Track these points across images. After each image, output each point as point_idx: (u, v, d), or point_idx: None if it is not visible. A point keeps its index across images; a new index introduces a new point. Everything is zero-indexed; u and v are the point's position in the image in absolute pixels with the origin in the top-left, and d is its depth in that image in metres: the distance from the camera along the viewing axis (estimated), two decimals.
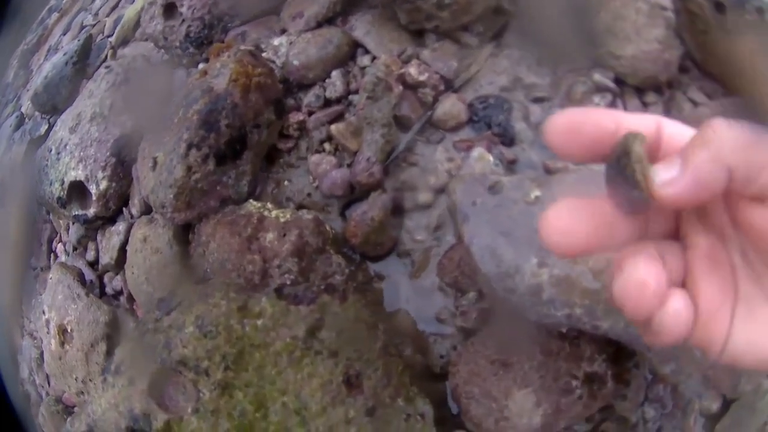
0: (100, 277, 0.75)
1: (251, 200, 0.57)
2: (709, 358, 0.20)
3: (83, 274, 0.76)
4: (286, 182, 0.60)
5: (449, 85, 0.61)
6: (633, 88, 0.65)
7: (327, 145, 0.59)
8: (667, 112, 0.66)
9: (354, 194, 0.57)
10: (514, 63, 0.63)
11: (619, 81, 0.64)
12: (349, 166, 0.56)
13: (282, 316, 0.48)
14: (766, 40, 0.70)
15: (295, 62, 0.62)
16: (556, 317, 0.45)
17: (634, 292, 0.19)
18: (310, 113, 0.61)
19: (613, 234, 0.20)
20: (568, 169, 0.50)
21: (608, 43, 0.63)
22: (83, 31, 1.04)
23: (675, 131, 0.21)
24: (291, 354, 0.48)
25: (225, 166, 0.59)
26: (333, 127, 0.57)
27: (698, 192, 0.18)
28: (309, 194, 0.59)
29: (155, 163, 0.61)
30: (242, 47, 0.64)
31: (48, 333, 0.78)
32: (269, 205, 0.57)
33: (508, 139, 0.58)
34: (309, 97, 0.61)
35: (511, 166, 0.57)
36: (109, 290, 0.74)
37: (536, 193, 0.47)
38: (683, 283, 0.20)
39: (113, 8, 0.99)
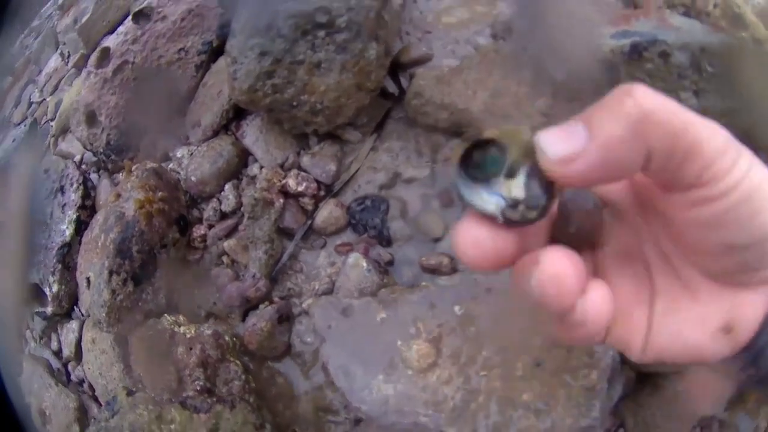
0: (65, 366, 1.07)
1: (165, 315, 0.84)
2: (630, 357, 0.23)
3: (51, 364, 1.08)
4: (195, 292, 0.86)
5: (329, 190, 0.82)
6: None
7: (224, 258, 0.83)
8: None
9: (249, 303, 0.81)
10: (393, 157, 0.83)
11: None
12: (243, 278, 0.81)
13: (188, 422, 0.75)
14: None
15: (193, 178, 0.86)
16: (404, 425, 0.68)
17: (553, 283, 0.20)
18: (210, 227, 0.85)
19: (525, 239, 0.21)
20: (419, 286, 0.70)
21: (487, 124, 0.81)
22: (30, 109, 1.35)
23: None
24: None
25: (142, 285, 0.86)
26: (226, 243, 0.82)
27: (609, 167, 0.19)
28: (214, 303, 0.84)
29: (89, 282, 0.90)
30: (148, 165, 0.89)
31: (30, 415, 1.12)
32: (180, 319, 0.83)
33: (384, 239, 0.79)
34: (208, 211, 0.86)
35: (387, 267, 0.78)
36: (73, 378, 1.05)
37: (382, 315, 0.69)
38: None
39: (55, 88, 1.28)
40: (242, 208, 0.83)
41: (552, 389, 0.67)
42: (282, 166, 0.83)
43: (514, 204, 0.20)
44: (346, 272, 0.76)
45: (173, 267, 0.86)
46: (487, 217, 0.21)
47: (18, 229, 1.12)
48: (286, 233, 0.81)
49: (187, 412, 0.76)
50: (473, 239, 0.21)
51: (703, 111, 0.72)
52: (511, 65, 0.82)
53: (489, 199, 0.21)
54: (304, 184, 0.79)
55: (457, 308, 0.67)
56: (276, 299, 0.80)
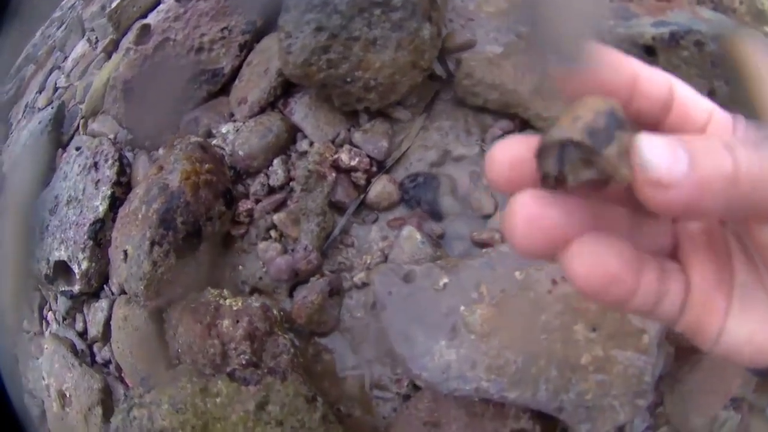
0: (90, 347, 1.03)
1: (209, 288, 0.81)
2: (701, 345, 0.21)
3: (75, 344, 1.04)
4: (240, 267, 0.84)
5: (381, 166, 0.81)
6: None
7: (273, 233, 0.82)
8: None
9: (298, 277, 0.80)
10: (443, 135, 0.83)
11: None
12: (293, 251, 0.79)
13: (235, 395, 0.73)
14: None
15: (240, 152, 0.85)
16: (465, 390, 0.67)
17: (597, 281, 0.18)
18: (257, 201, 0.84)
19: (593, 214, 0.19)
20: (481, 253, 0.70)
21: (536, 104, 0.81)
22: (56, 93, 1.32)
23: (688, 95, 0.21)
24: (245, 424, 0.72)
25: (185, 258, 0.83)
26: (275, 216, 0.80)
27: (701, 205, 0.17)
28: (260, 278, 0.82)
29: (126, 255, 0.87)
30: (192, 139, 0.88)
31: (49, 396, 1.07)
32: (225, 293, 0.81)
33: (436, 214, 0.79)
34: (255, 186, 0.84)
35: (439, 240, 0.78)
36: (99, 359, 1.01)
37: (444, 280, 0.68)
38: (673, 255, 0.21)
39: (84, 72, 1.26)
40: (292, 182, 0.82)
41: (608, 353, 0.67)
42: (333, 141, 0.82)
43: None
44: (399, 244, 0.75)
45: (217, 240, 0.84)
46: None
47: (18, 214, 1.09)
48: (337, 207, 0.80)
49: (235, 384, 0.73)
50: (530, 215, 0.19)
51: (732, 100, 0.73)
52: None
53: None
54: (357, 159, 0.79)
55: (517, 273, 0.66)
56: (327, 272, 0.78)
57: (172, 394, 0.76)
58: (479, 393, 0.67)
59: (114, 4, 1.21)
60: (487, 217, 0.79)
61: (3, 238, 1.15)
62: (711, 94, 0.84)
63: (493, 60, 0.84)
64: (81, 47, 1.30)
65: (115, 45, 1.21)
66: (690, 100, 0.22)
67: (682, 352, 0.81)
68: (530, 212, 0.19)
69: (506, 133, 0.83)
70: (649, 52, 0.83)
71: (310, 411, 0.73)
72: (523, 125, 0.83)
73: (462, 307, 0.67)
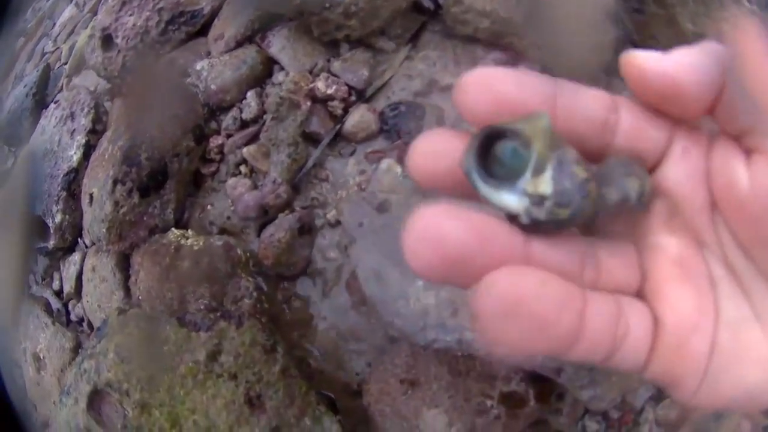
0: (66, 305, 0.96)
1: (173, 229, 0.74)
2: (677, 398, 0.18)
3: (49, 303, 0.97)
4: (209, 206, 0.77)
5: (361, 96, 0.74)
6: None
7: (242, 168, 0.74)
8: None
9: (268, 215, 0.72)
10: (430, 65, 0.75)
11: (547, 72, 0.73)
12: (262, 186, 0.71)
13: (185, 342, 0.64)
14: None
15: (213, 86, 0.78)
16: (446, 342, 0.57)
17: (519, 324, 0.15)
18: (228, 136, 0.77)
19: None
20: None
21: (530, 33, 0.73)
22: (43, 59, 1.28)
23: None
24: (195, 377, 0.64)
25: (149, 198, 0.77)
26: (245, 150, 0.73)
27: (691, 83, 0.17)
28: (228, 217, 0.75)
29: (91, 198, 0.80)
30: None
31: (26, 361, 1.01)
32: (189, 233, 0.73)
33: None
34: (227, 120, 0.77)
35: None
36: (73, 317, 0.95)
37: None
38: (639, 293, 0.18)
39: (70, 34, 1.22)
40: (265, 114, 0.74)
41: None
42: (310, 71, 0.75)
43: (540, 201, 0.17)
44: (377, 178, 0.67)
45: (185, 178, 0.77)
46: (510, 218, 0.17)
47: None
48: (312, 139, 0.72)
49: (185, 330, 0.65)
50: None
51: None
52: None
53: (511, 196, 0.17)
54: (334, 87, 0.71)
55: None
56: (297, 208, 0.70)
57: (119, 342, 0.69)
58: (462, 346, 0.58)
59: None
60: None
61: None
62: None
63: None
64: (69, 11, 1.26)
65: (99, 2, 1.16)
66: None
67: None
68: (433, 230, 0.17)
69: (498, 64, 0.74)
70: None
71: (269, 363, 0.64)
72: (517, 56, 0.75)
73: None
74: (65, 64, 1.18)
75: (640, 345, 0.17)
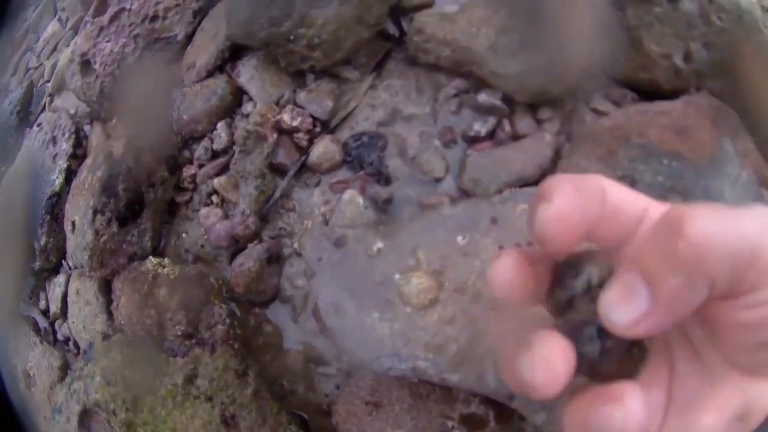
0: (52, 324, 1.00)
1: (150, 257, 0.78)
2: None
3: (37, 322, 1.02)
4: (184, 234, 0.80)
5: (325, 127, 0.77)
6: (525, 105, 0.76)
7: (214, 198, 0.78)
8: (565, 125, 0.77)
9: (239, 244, 0.75)
10: (393, 94, 0.78)
11: (509, 99, 0.76)
12: (232, 216, 0.75)
13: (164, 367, 0.69)
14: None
15: (185, 116, 0.82)
16: (401, 369, 0.61)
17: (544, 368, 0.20)
18: (201, 166, 0.80)
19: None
20: (420, 215, 0.64)
21: (491, 62, 0.75)
22: (27, 75, 1.31)
23: (621, 200, 0.22)
24: (174, 398, 0.68)
25: (127, 227, 0.80)
26: (216, 181, 0.76)
27: (673, 320, 0.19)
28: (202, 246, 0.79)
29: (74, 226, 0.84)
30: None
31: (17, 377, 1.06)
32: (165, 261, 0.77)
33: (383, 177, 0.73)
34: (199, 150, 0.81)
35: (386, 205, 0.73)
36: (60, 336, 0.99)
37: (378, 245, 0.63)
38: None
39: (52, 51, 1.25)
40: (235, 145, 0.77)
41: None
42: (277, 103, 0.78)
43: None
44: (341, 209, 0.70)
45: (160, 207, 0.81)
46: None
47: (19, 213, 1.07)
48: (279, 170, 0.76)
49: (164, 356, 0.69)
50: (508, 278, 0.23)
51: (713, 65, 0.64)
52: (521, 2, 0.77)
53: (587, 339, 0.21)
54: (299, 119, 0.74)
55: (460, 238, 0.60)
56: (266, 238, 0.74)
57: (105, 365, 0.73)
58: (416, 373, 0.62)
59: None
60: (438, 180, 0.74)
61: None
62: (687, 58, 0.76)
63: (447, 15, 0.78)
64: (52, 27, 1.29)
65: (81, 20, 1.19)
66: (622, 203, 0.22)
67: None
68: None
69: (460, 92, 0.77)
70: (617, 6, 0.76)
71: (241, 386, 0.69)
72: (479, 84, 0.77)
73: (397, 275, 0.61)
74: (48, 81, 1.21)
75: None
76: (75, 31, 1.20)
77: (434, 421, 0.68)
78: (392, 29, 0.83)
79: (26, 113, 1.20)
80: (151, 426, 0.70)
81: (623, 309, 0.19)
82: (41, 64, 1.28)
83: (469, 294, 0.61)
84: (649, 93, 0.79)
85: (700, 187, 0.66)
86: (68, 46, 1.20)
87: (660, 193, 0.67)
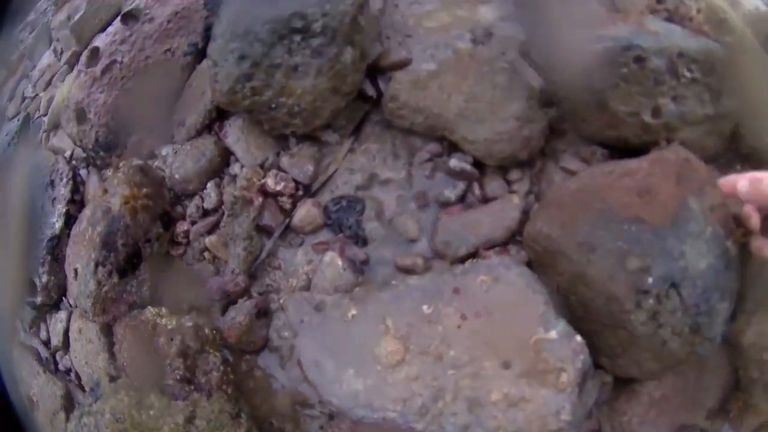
0: (53, 355, 1.09)
1: (149, 307, 0.86)
2: None
3: (39, 352, 1.11)
4: (179, 285, 0.88)
5: (307, 190, 0.84)
6: (496, 168, 0.84)
7: (206, 254, 0.86)
8: (535, 185, 0.84)
9: (230, 297, 0.84)
10: (370, 159, 0.85)
11: (479, 163, 0.83)
12: (223, 273, 0.83)
13: (166, 408, 0.78)
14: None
15: (177, 176, 0.89)
16: (373, 419, 0.70)
17: None
18: (193, 223, 0.88)
19: None
20: (390, 285, 0.73)
21: (462, 128, 0.83)
22: (24, 104, 1.37)
23: None
24: None
25: (127, 278, 0.88)
26: (208, 239, 0.84)
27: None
28: (196, 297, 0.87)
29: (76, 273, 0.92)
30: (134, 162, 0.92)
31: (20, 400, 1.15)
32: (163, 311, 0.86)
33: (360, 239, 0.81)
34: (191, 208, 0.88)
35: (363, 266, 0.81)
36: (61, 367, 1.08)
37: (353, 311, 0.71)
38: None
39: (48, 84, 1.30)
40: (224, 204, 0.85)
41: (521, 391, 0.68)
42: (262, 165, 0.85)
43: None
44: (322, 270, 0.79)
45: (157, 261, 0.89)
46: None
47: (18, 221, 1.14)
48: (265, 231, 0.83)
49: (166, 399, 0.78)
50: None
51: (682, 118, 0.71)
52: (487, 70, 0.84)
53: None
54: (283, 184, 0.82)
55: (425, 307, 0.69)
56: (255, 294, 0.82)
57: (113, 405, 0.82)
58: (387, 422, 0.71)
59: (77, 16, 1.24)
60: (413, 241, 0.82)
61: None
62: (655, 113, 0.81)
63: (419, 82, 0.85)
64: (47, 58, 1.33)
65: (76, 57, 1.24)
66: None
67: (620, 382, 0.82)
68: None
69: (434, 156, 0.85)
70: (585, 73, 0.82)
71: (235, 426, 0.78)
72: (452, 148, 0.85)
73: (369, 339, 0.70)
74: (44, 115, 1.27)
75: None
76: (70, 66, 1.25)
77: None
78: (370, 90, 0.90)
79: (23, 146, 1.26)
80: None
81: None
82: (37, 95, 1.33)
83: (432, 356, 0.70)
84: (618, 148, 0.85)
85: (658, 249, 0.70)
86: (62, 81, 1.26)
87: (618, 256, 0.72)
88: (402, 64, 0.91)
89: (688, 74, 0.83)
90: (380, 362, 0.71)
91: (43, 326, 1.12)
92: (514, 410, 0.68)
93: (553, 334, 0.71)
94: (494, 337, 0.71)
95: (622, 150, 0.85)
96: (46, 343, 1.12)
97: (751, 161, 0.91)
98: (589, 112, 0.84)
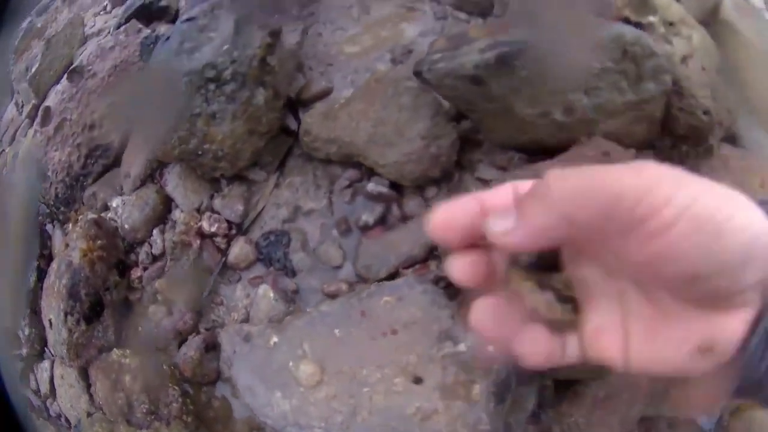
0: (45, 403, 1.54)
1: (115, 349, 1.28)
2: (616, 369, 0.36)
3: (32, 401, 1.57)
4: (139, 328, 1.29)
5: (239, 229, 1.22)
6: (413, 187, 1.18)
7: (159, 296, 1.26)
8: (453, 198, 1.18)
9: (182, 335, 1.23)
10: (294, 192, 1.22)
11: (396, 184, 1.18)
12: (173, 314, 1.23)
13: None
14: None
15: (126, 226, 1.30)
16: None
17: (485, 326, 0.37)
18: (145, 269, 1.28)
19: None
20: (303, 312, 1.09)
21: (373, 153, 1.17)
22: None
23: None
24: None
25: (93, 325, 1.30)
26: (157, 283, 1.24)
27: (537, 239, 0.34)
28: (155, 337, 1.27)
29: (51, 323, 1.36)
30: (89, 216, 1.34)
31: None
32: (127, 352, 1.27)
33: (290, 271, 1.19)
34: (141, 255, 1.29)
35: (294, 295, 1.18)
36: (52, 413, 1.53)
37: (274, 339, 1.08)
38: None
39: (12, 139, 1.77)
40: (166, 252, 1.25)
41: (434, 404, 1.02)
42: (198, 209, 1.24)
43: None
44: (257, 303, 1.16)
45: (118, 306, 1.30)
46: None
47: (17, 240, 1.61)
48: (207, 270, 1.22)
49: (133, 428, 1.19)
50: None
51: (600, 109, 1.04)
52: (392, 92, 1.18)
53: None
54: (216, 225, 1.20)
55: (337, 331, 1.05)
56: (202, 330, 1.21)
57: None
58: None
59: (34, 68, 1.69)
60: (337, 268, 1.18)
61: None
62: (568, 110, 1.11)
63: (330, 113, 1.21)
64: (10, 111, 1.80)
65: (35, 110, 1.69)
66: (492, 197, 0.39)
67: (561, 385, 1.13)
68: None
69: (353, 182, 1.20)
70: (475, 82, 1.11)
71: None
72: (369, 172, 1.20)
73: (290, 363, 1.07)
74: (11, 171, 1.73)
75: (576, 345, 0.37)
76: (31, 119, 1.71)
77: None
78: (293, 124, 1.27)
79: None
80: None
81: (497, 223, 0.34)
82: (3, 150, 1.80)
83: (347, 376, 1.06)
84: (534, 151, 1.15)
85: None
86: (25, 136, 1.72)
87: None
88: (323, 95, 1.28)
89: (597, 64, 1.10)
90: (302, 384, 1.07)
91: (32, 376, 1.58)
92: (429, 423, 1.02)
93: (462, 346, 1.04)
94: (402, 355, 1.05)
95: (538, 152, 1.15)
96: (36, 392, 1.58)
97: (690, 141, 1.17)
98: (495, 120, 1.15)
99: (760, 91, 1.21)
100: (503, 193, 0.39)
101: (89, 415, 1.32)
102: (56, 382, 1.47)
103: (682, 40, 1.16)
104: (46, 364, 1.52)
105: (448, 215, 0.38)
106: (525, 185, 0.38)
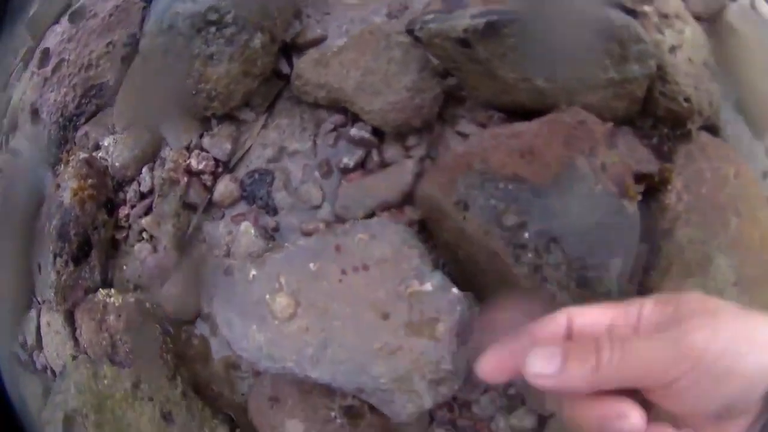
0: (31, 355, 2.01)
1: (101, 289, 1.72)
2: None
3: (19, 355, 2.04)
4: (125, 267, 1.74)
5: (226, 167, 1.65)
6: (394, 135, 1.58)
7: (144, 234, 1.70)
8: (432, 149, 1.57)
9: (167, 274, 1.67)
10: (281, 133, 1.65)
11: (378, 131, 1.58)
12: (158, 251, 1.67)
13: (116, 376, 1.62)
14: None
15: (117, 164, 1.75)
16: (275, 369, 1.47)
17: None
18: (132, 207, 1.72)
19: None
20: (284, 246, 1.51)
21: (360, 100, 1.58)
22: None
23: (584, 322, 0.60)
24: (127, 401, 1.62)
25: (81, 266, 1.76)
26: (143, 220, 1.68)
27: (562, 392, 0.54)
28: (140, 276, 1.71)
29: (39, 267, 1.82)
30: (80, 155, 1.79)
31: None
32: (111, 291, 1.71)
33: (271, 209, 1.60)
34: (130, 193, 1.73)
35: (274, 233, 1.60)
36: (38, 366, 1.99)
37: (253, 272, 1.50)
38: None
39: (5, 84, 2.26)
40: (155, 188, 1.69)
41: (399, 340, 1.40)
42: (188, 148, 1.67)
43: None
44: (238, 239, 1.59)
45: (104, 246, 1.75)
46: None
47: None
48: (192, 208, 1.65)
49: (115, 368, 1.63)
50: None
51: (581, 81, 1.47)
52: (384, 45, 1.59)
53: None
54: (204, 163, 1.63)
55: (312, 265, 1.45)
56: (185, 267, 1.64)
57: (76, 379, 1.70)
58: (286, 371, 1.48)
59: (31, 12, 2.18)
60: (316, 208, 1.59)
61: None
62: (550, 78, 1.48)
63: (321, 59, 1.63)
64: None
65: (31, 54, 2.18)
66: (586, 317, 0.62)
67: None
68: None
69: (338, 126, 1.61)
70: (464, 45, 1.50)
71: (172, 388, 1.60)
72: (354, 118, 1.60)
73: (267, 296, 1.47)
74: (3, 117, 2.22)
75: None
76: (25, 63, 2.19)
77: (320, 411, 1.54)
78: (285, 68, 1.69)
79: None
80: (115, 423, 1.64)
81: (538, 364, 0.51)
82: None
83: (319, 309, 1.45)
84: (515, 112, 1.54)
85: (538, 207, 1.16)
86: (19, 80, 2.20)
87: (494, 213, 1.25)
88: (317, 42, 1.70)
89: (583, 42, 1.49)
90: (276, 317, 1.48)
91: (18, 329, 2.05)
92: (394, 358, 1.40)
93: (428, 286, 1.42)
94: (372, 291, 1.43)
95: (518, 114, 1.52)
96: (23, 345, 2.05)
97: (669, 124, 1.52)
98: (479, 80, 1.54)
99: (753, 93, 1.57)
100: (556, 324, 0.61)
101: (73, 358, 1.76)
102: (42, 330, 1.93)
103: (673, 32, 1.51)
104: (32, 313, 1.98)
105: (501, 359, 0.63)
106: (582, 316, 0.63)
